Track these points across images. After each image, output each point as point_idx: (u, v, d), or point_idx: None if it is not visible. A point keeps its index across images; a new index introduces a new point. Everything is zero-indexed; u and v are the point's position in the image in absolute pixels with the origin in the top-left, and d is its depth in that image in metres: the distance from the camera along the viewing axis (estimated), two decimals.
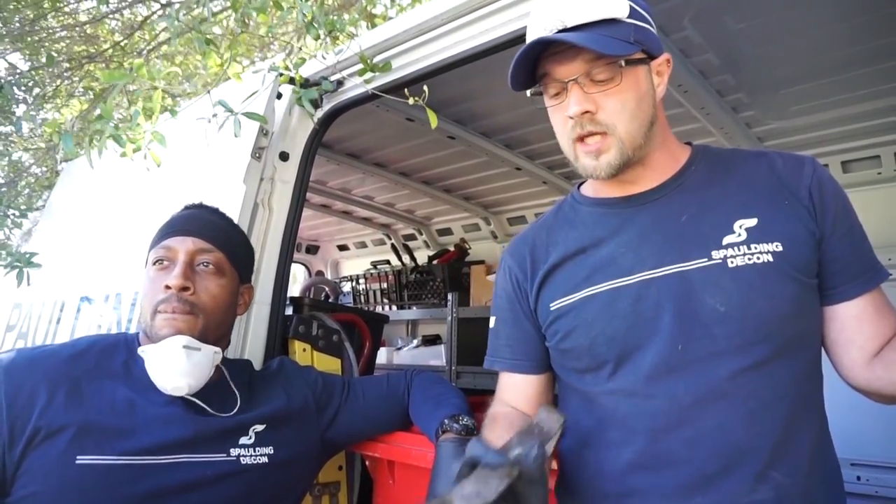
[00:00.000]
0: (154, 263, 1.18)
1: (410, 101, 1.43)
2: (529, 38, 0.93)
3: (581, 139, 0.94)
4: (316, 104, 1.68)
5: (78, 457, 1.00)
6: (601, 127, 0.92)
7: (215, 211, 1.31)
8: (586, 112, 0.91)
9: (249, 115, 1.46)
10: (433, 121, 1.46)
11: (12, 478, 0.99)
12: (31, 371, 1.06)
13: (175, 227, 1.21)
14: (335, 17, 1.46)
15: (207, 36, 1.53)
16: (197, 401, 1.14)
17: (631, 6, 0.91)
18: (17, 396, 1.02)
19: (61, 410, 1.03)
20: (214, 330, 1.18)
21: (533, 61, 0.94)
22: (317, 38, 1.47)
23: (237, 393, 1.21)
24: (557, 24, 0.89)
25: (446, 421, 1.19)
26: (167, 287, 1.13)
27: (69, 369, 1.09)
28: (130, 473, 1.03)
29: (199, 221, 1.23)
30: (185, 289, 1.13)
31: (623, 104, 0.91)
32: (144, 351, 1.12)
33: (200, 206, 1.30)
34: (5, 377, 1.03)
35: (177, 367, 1.09)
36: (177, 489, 1.06)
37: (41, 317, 2.19)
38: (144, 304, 1.16)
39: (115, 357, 1.16)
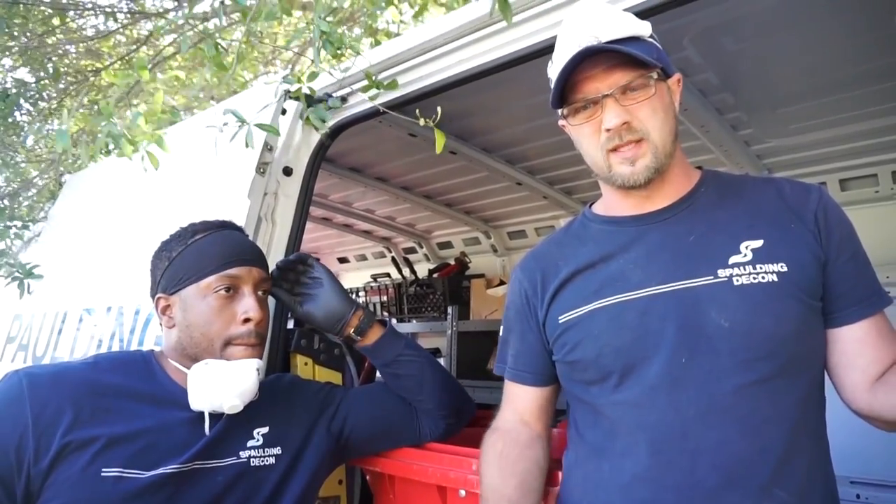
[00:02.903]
0: (216, 291, 1.18)
1: (421, 122, 1.42)
2: (564, 55, 0.97)
3: (615, 149, 0.97)
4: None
5: (103, 469, 1.03)
6: (637, 134, 0.96)
7: (246, 233, 1.36)
8: (625, 122, 0.95)
9: (261, 126, 1.47)
10: (440, 143, 1.45)
11: (38, 491, 1.01)
12: (56, 387, 1.07)
13: (237, 256, 1.22)
14: (343, 33, 1.47)
15: (218, 42, 1.54)
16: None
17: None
18: (42, 412, 1.03)
19: (87, 425, 1.05)
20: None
21: (565, 79, 0.98)
22: (335, 55, 1.47)
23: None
24: (592, 40, 0.94)
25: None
26: (246, 320, 1.17)
27: (93, 385, 1.11)
28: (153, 485, 1.06)
29: (253, 250, 1.28)
30: (260, 322, 1.19)
31: (654, 111, 0.96)
32: (207, 363, 1.15)
33: (238, 228, 1.33)
34: (30, 393, 1.05)
35: (244, 387, 1.14)
36: (194, 496, 1.10)
37: (42, 328, 2.19)
38: (210, 332, 1.17)
39: (135, 373, 1.18)
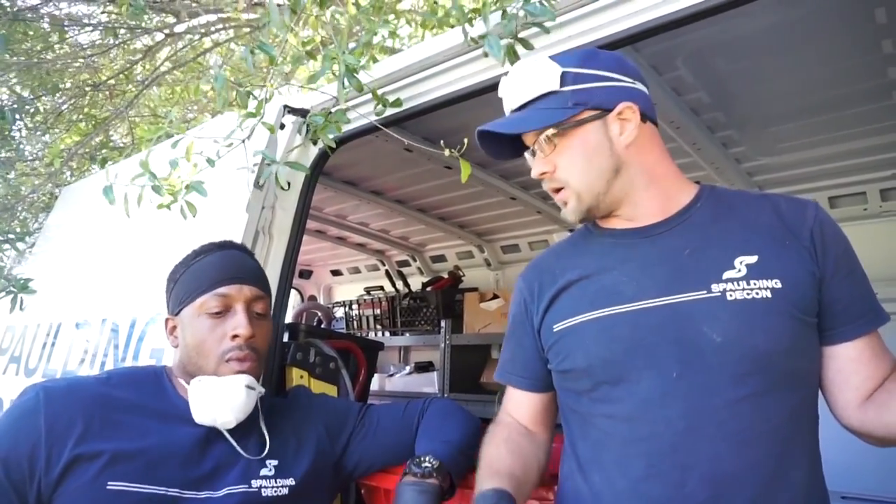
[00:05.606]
0: (209, 311, 1.19)
1: (446, 152, 1.41)
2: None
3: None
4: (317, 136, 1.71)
5: (109, 483, 1.04)
6: (559, 183, 1.05)
7: (249, 251, 1.36)
8: (544, 173, 1.05)
9: (293, 166, 1.48)
10: (465, 173, 1.47)
11: (49, 501, 1.04)
12: (70, 400, 1.10)
13: (228, 275, 1.22)
14: (369, 63, 1.47)
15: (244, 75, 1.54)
16: (229, 438, 1.17)
17: (566, 75, 1.00)
18: (55, 423, 1.06)
19: (97, 438, 1.07)
20: (262, 372, 1.25)
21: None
22: (360, 89, 1.47)
23: (263, 428, 1.23)
24: (508, 110, 1.08)
25: (409, 462, 1.21)
26: (235, 336, 1.17)
27: (104, 399, 1.13)
28: (157, 500, 1.06)
29: (248, 268, 1.27)
30: (251, 337, 1.19)
31: (571, 161, 1.03)
32: (200, 380, 1.15)
33: (238, 247, 1.33)
34: (46, 406, 1.07)
35: (234, 403, 1.14)
36: None
37: (35, 340, 2.18)
38: (204, 350, 1.18)
39: (146, 389, 1.19)
